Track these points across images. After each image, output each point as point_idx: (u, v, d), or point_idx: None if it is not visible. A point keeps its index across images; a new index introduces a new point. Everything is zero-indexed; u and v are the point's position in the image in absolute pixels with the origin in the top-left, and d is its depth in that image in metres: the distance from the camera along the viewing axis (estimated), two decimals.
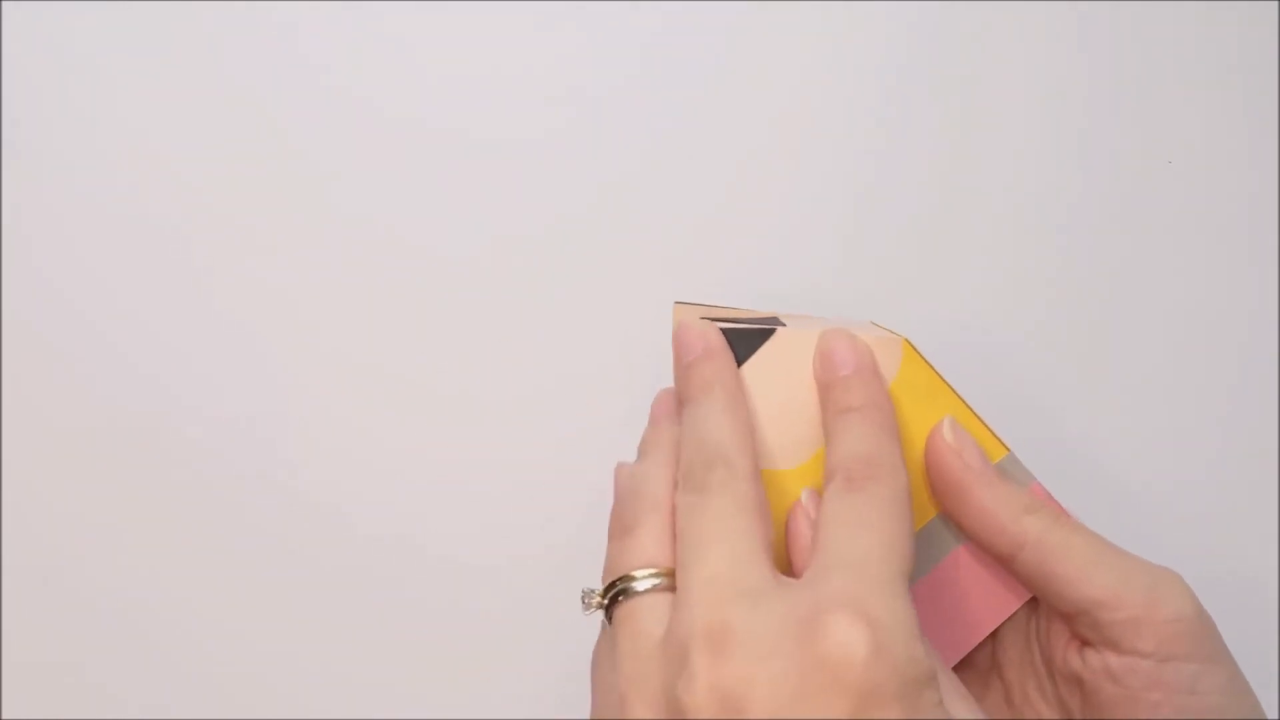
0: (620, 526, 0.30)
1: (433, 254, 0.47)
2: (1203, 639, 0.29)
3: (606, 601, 0.28)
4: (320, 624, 0.47)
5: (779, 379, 0.31)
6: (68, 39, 0.47)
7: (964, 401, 0.32)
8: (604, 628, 0.29)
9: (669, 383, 0.34)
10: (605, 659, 0.28)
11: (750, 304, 0.45)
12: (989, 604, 0.32)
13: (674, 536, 0.28)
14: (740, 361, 0.31)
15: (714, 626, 0.25)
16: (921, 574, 0.32)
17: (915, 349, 0.32)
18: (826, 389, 0.31)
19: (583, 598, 0.29)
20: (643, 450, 0.32)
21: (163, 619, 0.47)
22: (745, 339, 0.31)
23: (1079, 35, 0.48)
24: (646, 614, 0.27)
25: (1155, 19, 0.48)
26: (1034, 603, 0.33)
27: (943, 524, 0.32)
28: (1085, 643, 0.30)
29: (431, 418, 0.47)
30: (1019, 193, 0.48)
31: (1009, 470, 0.32)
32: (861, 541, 0.27)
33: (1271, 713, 0.46)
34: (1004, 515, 0.30)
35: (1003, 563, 0.31)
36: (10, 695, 0.47)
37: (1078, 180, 0.48)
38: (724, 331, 0.31)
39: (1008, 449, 0.32)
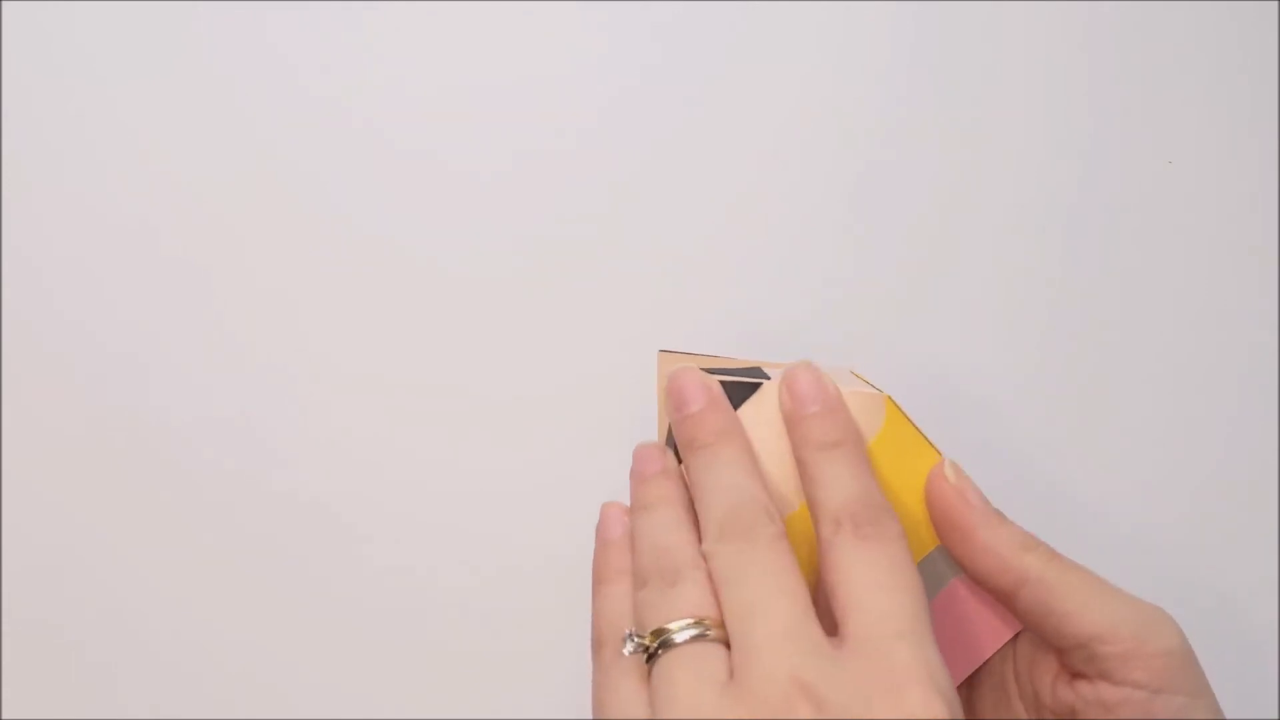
0: (660, 576, 0.30)
1: (430, 261, 0.47)
2: (1190, 674, 0.31)
3: (654, 647, 0.29)
4: (318, 626, 0.48)
5: (767, 430, 0.32)
6: (68, 40, 0.47)
7: (941, 455, 0.33)
8: (611, 670, 0.29)
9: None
10: (629, 702, 0.29)
11: (755, 314, 0.45)
12: (983, 633, 0.33)
13: (714, 588, 0.29)
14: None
15: (798, 681, 0.26)
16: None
17: (897, 405, 0.33)
18: (796, 423, 0.32)
19: (627, 638, 0.29)
20: (650, 503, 0.32)
21: (163, 619, 0.48)
22: (733, 391, 0.32)
23: (1079, 36, 0.48)
24: (704, 662, 0.28)
25: (1155, 19, 0.48)
26: (1011, 642, 0.34)
27: (940, 557, 0.33)
28: (1077, 675, 0.32)
29: (429, 424, 0.47)
30: (1017, 194, 0.48)
31: None
32: (900, 601, 0.28)
33: (1267, 713, 0.46)
34: (1006, 553, 0.32)
35: (1003, 599, 0.32)
36: (10, 695, 0.47)
37: (1078, 180, 0.48)
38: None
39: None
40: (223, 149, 0.47)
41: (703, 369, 0.33)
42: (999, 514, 0.33)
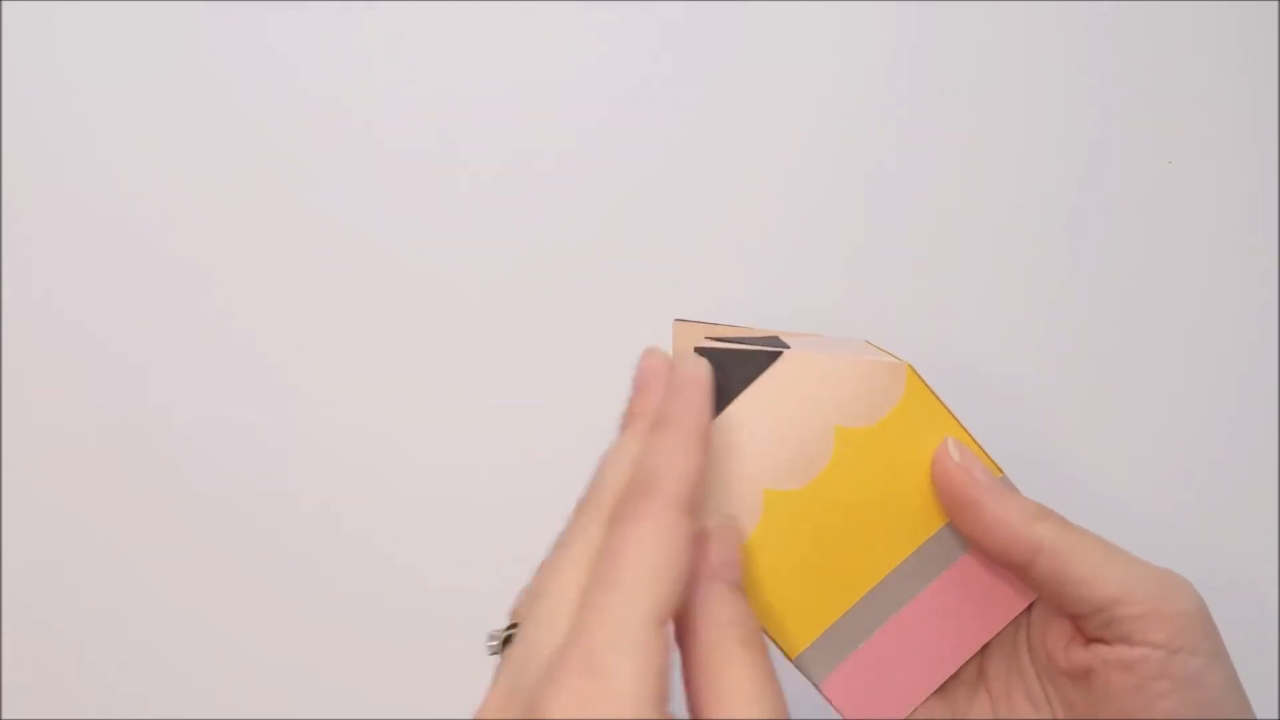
0: (566, 532, 0.30)
1: (431, 261, 0.47)
2: (1208, 635, 0.31)
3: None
4: (318, 626, 0.48)
5: (785, 401, 0.31)
6: (68, 40, 0.47)
7: (962, 426, 0.33)
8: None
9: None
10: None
11: (757, 313, 0.45)
12: (996, 606, 0.33)
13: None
14: (745, 384, 0.31)
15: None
16: (931, 580, 0.33)
17: (917, 374, 0.32)
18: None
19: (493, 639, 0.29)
20: (630, 423, 0.32)
21: (163, 619, 0.48)
22: (751, 361, 0.31)
23: (1079, 36, 0.48)
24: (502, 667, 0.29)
25: (1155, 19, 0.48)
26: (1024, 611, 0.34)
27: (950, 533, 0.33)
28: (1093, 639, 0.31)
29: (430, 425, 0.47)
30: (1017, 193, 0.48)
31: None
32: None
33: (1267, 713, 0.46)
34: (1018, 523, 0.31)
35: (1017, 570, 0.32)
36: (10, 695, 0.47)
37: (1078, 180, 0.48)
38: (729, 353, 0.31)
39: (1002, 472, 0.33)
40: (223, 149, 0.47)
41: (719, 337, 0.32)
42: (1007, 486, 0.32)
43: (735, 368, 0.32)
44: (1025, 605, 0.33)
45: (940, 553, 0.32)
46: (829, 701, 0.33)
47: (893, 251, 0.48)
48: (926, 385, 0.32)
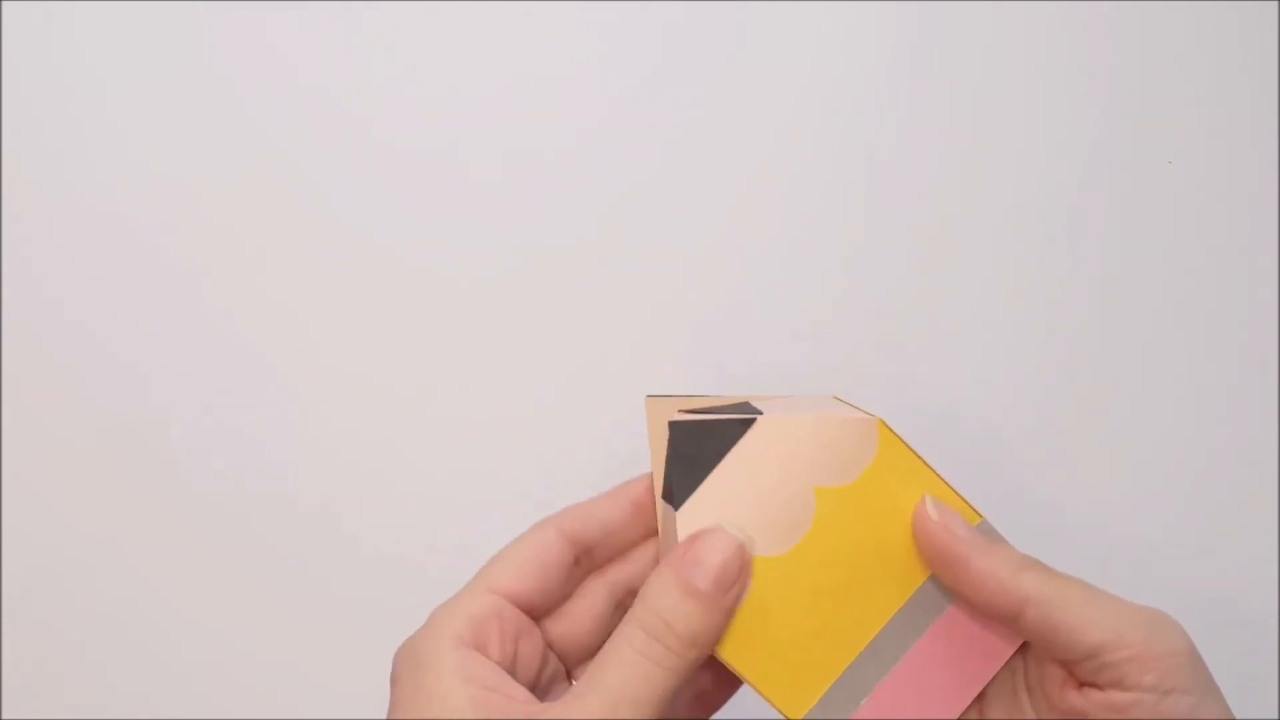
0: None
1: (430, 263, 0.47)
2: (1198, 672, 0.31)
3: None
4: (318, 626, 0.48)
5: (763, 466, 0.32)
6: (68, 40, 0.47)
7: (939, 475, 0.33)
8: None
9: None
10: None
11: (758, 315, 0.45)
12: (987, 653, 0.33)
13: None
14: (722, 454, 0.32)
15: None
16: (922, 633, 0.33)
17: (888, 427, 0.33)
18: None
19: None
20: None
21: (162, 620, 0.48)
22: (725, 430, 0.32)
23: (1079, 36, 0.48)
24: None
25: (1155, 19, 0.47)
26: (1018, 655, 0.34)
27: (933, 585, 0.33)
28: (1086, 684, 0.32)
29: (429, 427, 0.47)
30: (1018, 193, 0.48)
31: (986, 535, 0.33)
32: None
33: (1267, 714, 0.46)
34: (1004, 576, 0.32)
35: (1006, 622, 0.32)
36: (10, 695, 0.47)
37: (1078, 180, 0.48)
38: (705, 424, 0.32)
39: (981, 516, 0.33)
40: (223, 149, 0.47)
41: (690, 410, 0.33)
42: (989, 538, 0.33)
43: (710, 439, 0.32)
44: (1012, 651, 0.34)
45: (928, 604, 0.33)
46: None
47: (892, 251, 0.48)
48: (898, 437, 0.33)
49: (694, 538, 0.32)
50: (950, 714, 0.33)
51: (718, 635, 0.31)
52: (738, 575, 0.31)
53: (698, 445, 0.32)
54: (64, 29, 0.47)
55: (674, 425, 0.32)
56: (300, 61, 0.47)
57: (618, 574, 0.36)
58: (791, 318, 0.47)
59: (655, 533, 0.36)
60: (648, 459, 0.35)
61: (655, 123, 0.47)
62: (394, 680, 0.32)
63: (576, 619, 0.36)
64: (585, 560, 0.36)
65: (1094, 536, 0.47)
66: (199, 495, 0.47)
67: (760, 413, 0.33)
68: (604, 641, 0.34)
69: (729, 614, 0.32)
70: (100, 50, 0.47)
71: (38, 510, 0.48)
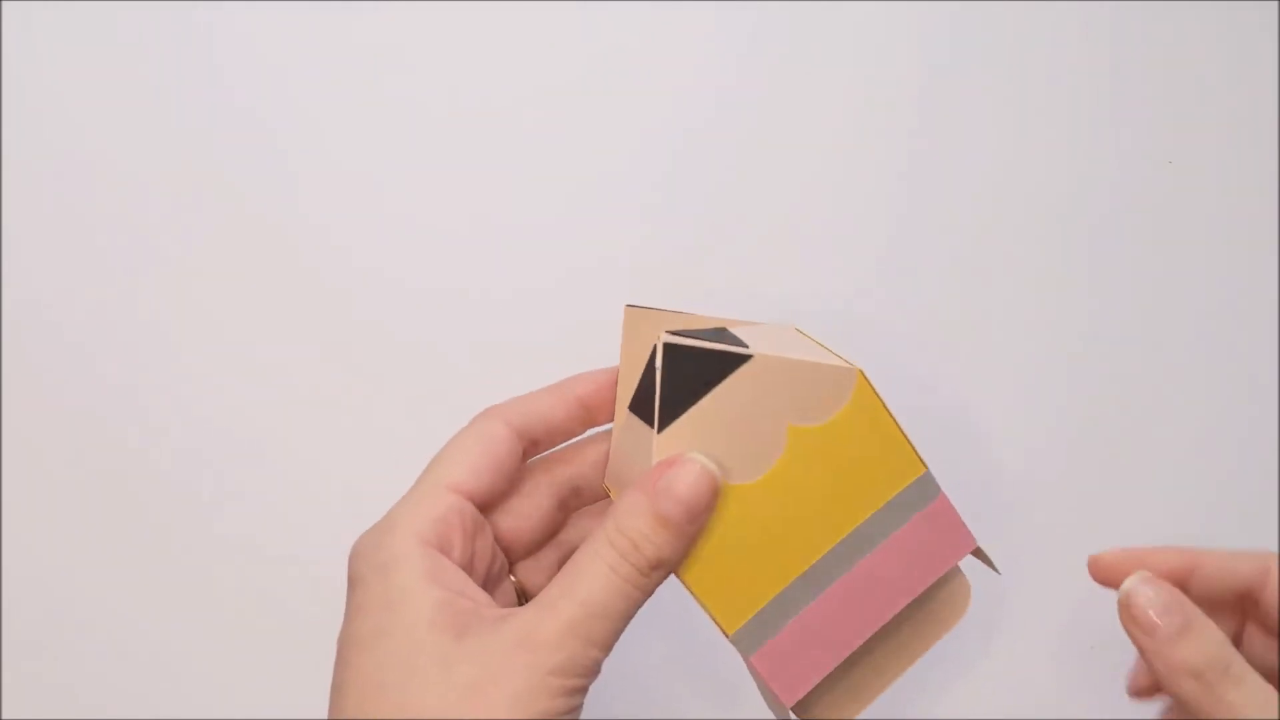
0: None
1: (431, 273, 0.48)
2: None
3: None
4: (318, 626, 0.48)
5: (745, 399, 0.33)
6: (66, 44, 0.47)
7: (900, 428, 0.34)
8: None
9: None
10: None
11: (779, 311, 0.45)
12: (898, 592, 0.35)
13: None
14: (713, 383, 0.33)
15: None
16: (846, 569, 0.34)
17: (866, 378, 0.34)
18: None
19: None
20: None
21: (162, 621, 0.48)
22: (721, 361, 0.33)
23: (1079, 36, 0.48)
24: None
25: (1156, 19, 0.48)
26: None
27: (869, 527, 0.34)
28: None
29: (429, 436, 0.48)
30: (1017, 193, 0.48)
31: (923, 487, 0.34)
32: None
33: None
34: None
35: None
36: (11, 695, 0.48)
37: (1077, 181, 0.48)
38: (701, 351, 0.33)
39: (925, 467, 0.34)
40: (223, 151, 0.47)
41: (675, 331, 0.33)
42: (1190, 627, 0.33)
43: (705, 367, 0.33)
44: (955, 560, 0.35)
45: (862, 542, 0.34)
46: (758, 673, 0.34)
47: (891, 250, 0.48)
48: (873, 388, 0.34)
49: (669, 463, 0.32)
50: (875, 624, 0.35)
51: (681, 560, 0.32)
52: (707, 507, 0.32)
53: (691, 371, 0.32)
54: (64, 29, 0.47)
55: (670, 348, 0.32)
56: (299, 62, 0.47)
57: (560, 471, 0.37)
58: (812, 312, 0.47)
59: (596, 429, 0.37)
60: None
61: (656, 123, 0.47)
62: (357, 579, 0.32)
63: (523, 515, 0.36)
64: (529, 453, 0.36)
65: (1103, 536, 0.47)
66: (200, 495, 0.47)
67: (740, 340, 0.34)
68: (545, 538, 0.37)
69: (694, 541, 0.32)
70: (100, 50, 0.47)
71: (38, 508, 0.48)
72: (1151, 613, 0.32)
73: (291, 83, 0.47)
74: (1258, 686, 0.31)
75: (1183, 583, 0.34)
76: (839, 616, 0.34)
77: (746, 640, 0.33)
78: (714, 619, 0.33)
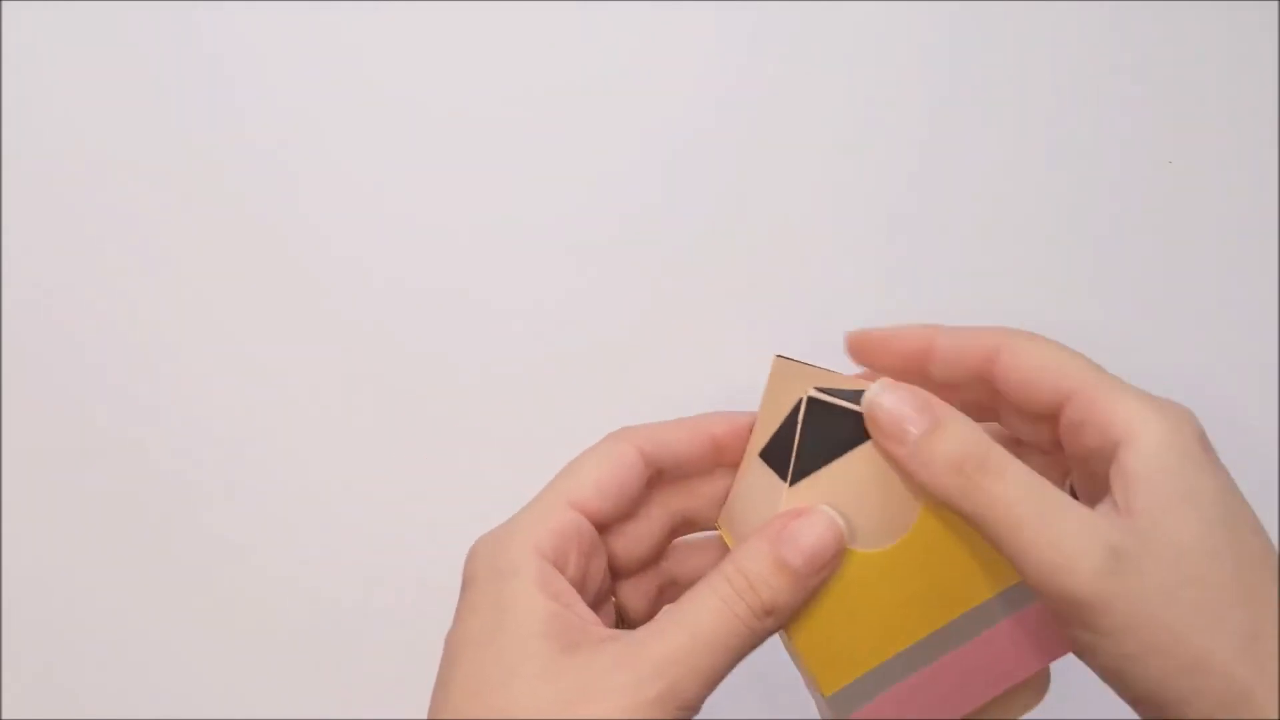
0: None
1: (447, 284, 0.48)
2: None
3: None
4: (317, 626, 0.48)
5: (885, 469, 0.32)
6: (66, 43, 0.47)
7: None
8: None
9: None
10: None
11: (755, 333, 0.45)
12: (1002, 675, 0.34)
13: None
14: (852, 444, 0.32)
15: None
16: (956, 647, 0.34)
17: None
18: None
19: None
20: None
21: (163, 621, 0.48)
22: (862, 424, 0.32)
23: (1079, 37, 0.48)
24: None
25: (1156, 19, 0.48)
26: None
27: (988, 608, 0.33)
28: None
29: (431, 449, 0.48)
30: (1017, 193, 0.48)
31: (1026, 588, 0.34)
32: None
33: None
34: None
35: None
36: (10, 694, 0.48)
37: (1077, 181, 0.48)
38: (844, 412, 0.32)
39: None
40: (221, 151, 0.47)
41: (821, 388, 0.33)
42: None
43: (846, 427, 0.32)
44: (1028, 675, 0.34)
45: (978, 622, 0.33)
46: None
47: (889, 249, 0.48)
48: None
49: (796, 512, 0.32)
50: (953, 715, 0.34)
51: (793, 611, 0.32)
52: (829, 562, 0.32)
53: (832, 429, 0.32)
54: (64, 29, 0.47)
55: (814, 402, 0.32)
56: (300, 64, 0.47)
57: (678, 503, 0.36)
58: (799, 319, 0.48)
59: (720, 468, 0.36)
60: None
61: (659, 127, 0.47)
62: (471, 580, 0.32)
63: (635, 539, 0.36)
64: (653, 481, 0.36)
65: None
66: (199, 496, 0.47)
67: None
68: (650, 563, 0.36)
69: (810, 595, 0.32)
70: (100, 50, 0.47)
71: (38, 508, 0.48)
72: (898, 419, 0.31)
73: (291, 83, 0.47)
74: (1019, 474, 0.30)
75: (922, 365, 0.34)
76: (931, 695, 0.33)
77: (842, 703, 0.33)
78: (814, 677, 0.33)
